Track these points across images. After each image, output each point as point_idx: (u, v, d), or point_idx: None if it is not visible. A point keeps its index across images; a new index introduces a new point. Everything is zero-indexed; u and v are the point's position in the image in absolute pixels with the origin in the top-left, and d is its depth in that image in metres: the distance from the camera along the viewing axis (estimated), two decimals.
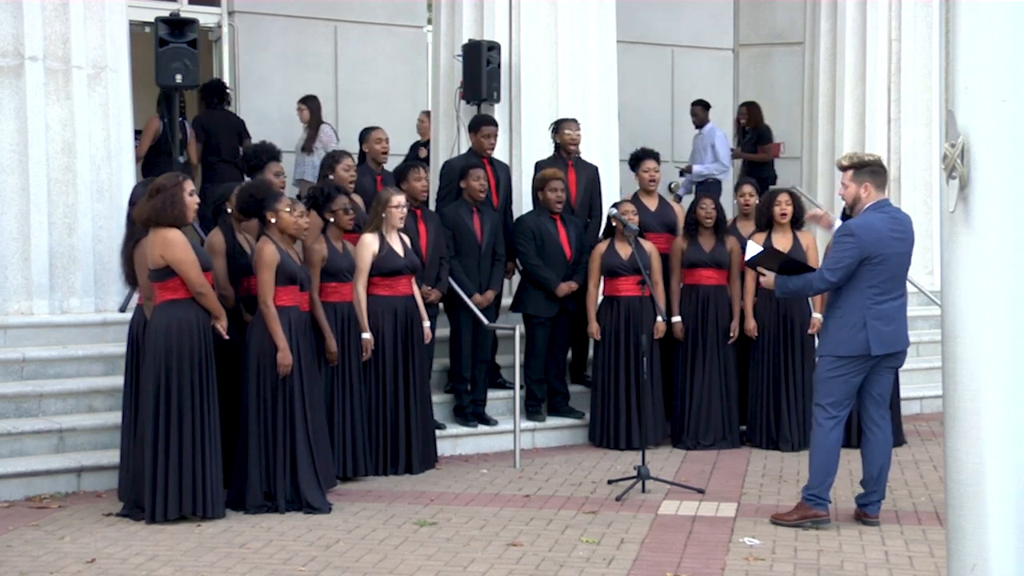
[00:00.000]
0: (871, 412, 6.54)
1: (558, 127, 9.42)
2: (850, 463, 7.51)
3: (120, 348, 8.11)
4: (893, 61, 12.09)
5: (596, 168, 9.63)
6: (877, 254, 6.28)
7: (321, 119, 11.87)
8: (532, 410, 9.00)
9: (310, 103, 11.88)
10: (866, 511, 6.61)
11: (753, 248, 6.68)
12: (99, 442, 7.63)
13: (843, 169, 6.49)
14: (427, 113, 11.81)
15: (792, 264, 6.60)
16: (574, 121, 9.42)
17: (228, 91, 11.87)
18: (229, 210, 7.34)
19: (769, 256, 6.65)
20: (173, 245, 6.57)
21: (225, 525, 6.59)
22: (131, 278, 7.05)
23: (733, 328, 8.86)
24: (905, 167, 12.09)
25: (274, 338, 6.85)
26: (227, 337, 6.86)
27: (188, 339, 6.60)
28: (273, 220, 6.98)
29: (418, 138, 12.15)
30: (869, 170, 6.39)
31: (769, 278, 6.62)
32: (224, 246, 7.26)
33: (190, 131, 11.43)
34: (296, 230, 7.06)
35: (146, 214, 6.65)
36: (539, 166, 9.30)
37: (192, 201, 6.70)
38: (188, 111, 12.25)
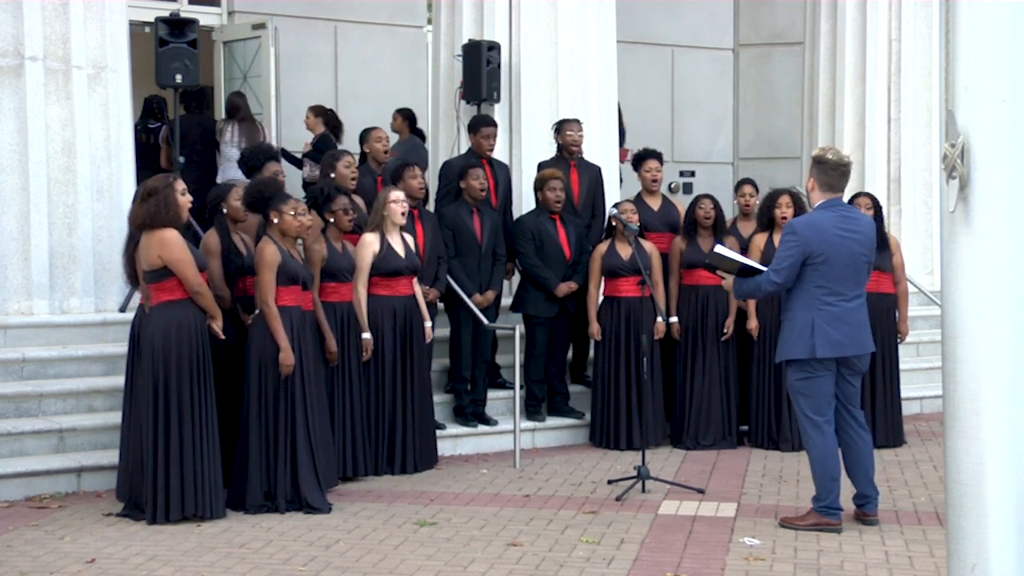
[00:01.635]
0: (844, 417, 6.52)
1: (560, 128, 9.42)
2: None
3: (120, 348, 8.11)
4: (893, 61, 12.10)
5: (599, 168, 9.63)
6: (820, 252, 6.23)
7: (245, 116, 11.47)
8: (532, 410, 9.00)
9: (234, 100, 11.65)
10: (864, 510, 6.60)
11: (717, 249, 6.66)
12: (99, 442, 7.63)
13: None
14: (312, 109, 11.74)
15: (747, 269, 6.56)
16: (576, 122, 9.42)
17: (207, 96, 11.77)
18: (225, 210, 7.36)
19: (724, 260, 6.60)
20: (170, 245, 6.58)
21: (225, 525, 6.59)
22: (133, 278, 7.05)
23: (728, 324, 8.84)
24: (905, 167, 12.10)
25: (276, 338, 6.85)
26: (223, 337, 6.87)
27: (186, 340, 6.60)
28: (276, 220, 6.99)
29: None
30: (819, 167, 6.36)
31: (728, 280, 6.62)
32: (220, 247, 7.27)
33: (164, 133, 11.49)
34: (300, 231, 7.07)
35: (140, 218, 6.67)
36: (541, 167, 9.31)
37: (185, 200, 6.73)
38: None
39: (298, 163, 11.65)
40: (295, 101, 12.41)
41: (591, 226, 9.35)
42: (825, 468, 6.41)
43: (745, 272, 6.52)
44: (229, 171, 10.97)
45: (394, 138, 11.53)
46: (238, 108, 11.44)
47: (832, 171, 6.35)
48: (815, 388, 6.36)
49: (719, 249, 6.66)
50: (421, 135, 12.07)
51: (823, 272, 6.26)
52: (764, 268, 6.54)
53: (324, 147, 10.65)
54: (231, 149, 11.09)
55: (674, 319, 8.91)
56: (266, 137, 11.29)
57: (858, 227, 6.41)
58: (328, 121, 11.68)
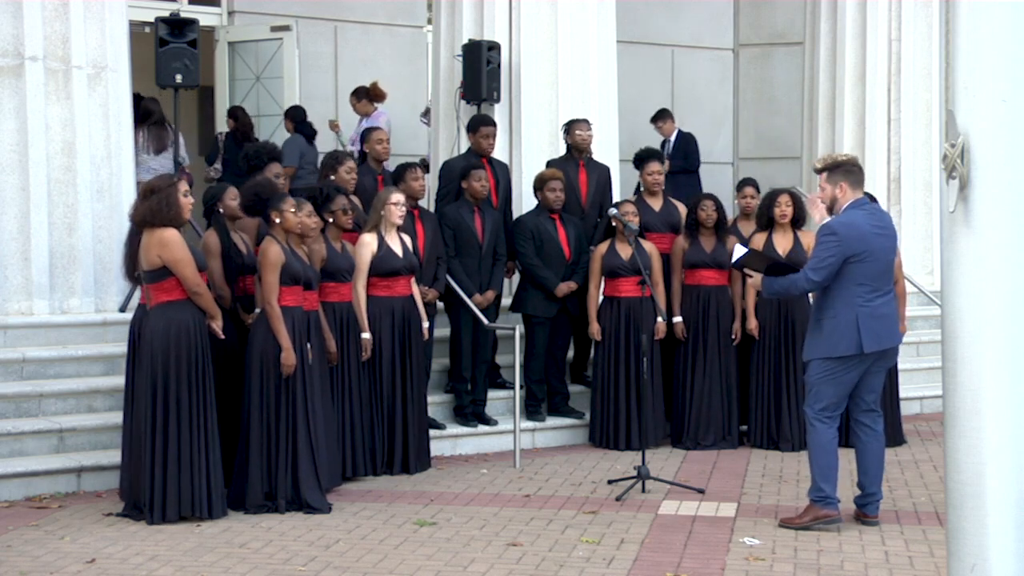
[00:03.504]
0: (861, 417, 6.54)
1: (569, 128, 9.42)
2: (850, 463, 7.49)
3: (120, 348, 8.12)
4: (893, 61, 12.09)
5: (608, 168, 9.64)
6: (861, 251, 6.29)
7: (157, 121, 11.33)
8: (532, 410, 9.00)
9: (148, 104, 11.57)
10: (865, 511, 6.61)
11: (740, 250, 6.70)
12: (99, 442, 7.63)
13: (818, 172, 6.52)
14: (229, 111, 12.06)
15: (778, 266, 6.63)
16: (585, 121, 9.42)
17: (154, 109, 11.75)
18: (222, 210, 7.37)
19: (756, 258, 6.65)
20: (171, 245, 6.58)
21: (225, 525, 6.59)
22: (132, 275, 7.05)
23: (735, 330, 8.85)
24: (905, 167, 12.09)
25: (278, 338, 6.85)
26: (223, 337, 6.87)
27: (186, 340, 6.60)
28: (278, 220, 6.99)
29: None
30: (843, 170, 6.40)
31: (756, 279, 6.63)
32: (219, 246, 7.28)
33: None
34: (303, 229, 7.07)
35: (141, 215, 6.67)
36: (550, 166, 9.32)
37: (187, 201, 6.72)
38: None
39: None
40: (294, 101, 12.40)
41: (598, 226, 9.34)
42: (823, 459, 6.43)
43: (773, 270, 6.56)
44: (145, 176, 10.98)
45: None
46: (151, 113, 11.31)
47: (857, 169, 6.46)
48: (834, 386, 6.39)
49: (738, 249, 6.69)
50: (307, 134, 11.88)
51: (865, 270, 6.31)
52: (785, 263, 6.62)
53: (225, 148, 10.83)
54: (143, 155, 11.07)
55: (678, 319, 8.90)
56: (176, 142, 11.22)
57: (885, 223, 6.52)
58: (237, 121, 11.92)
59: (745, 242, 8.85)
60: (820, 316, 6.44)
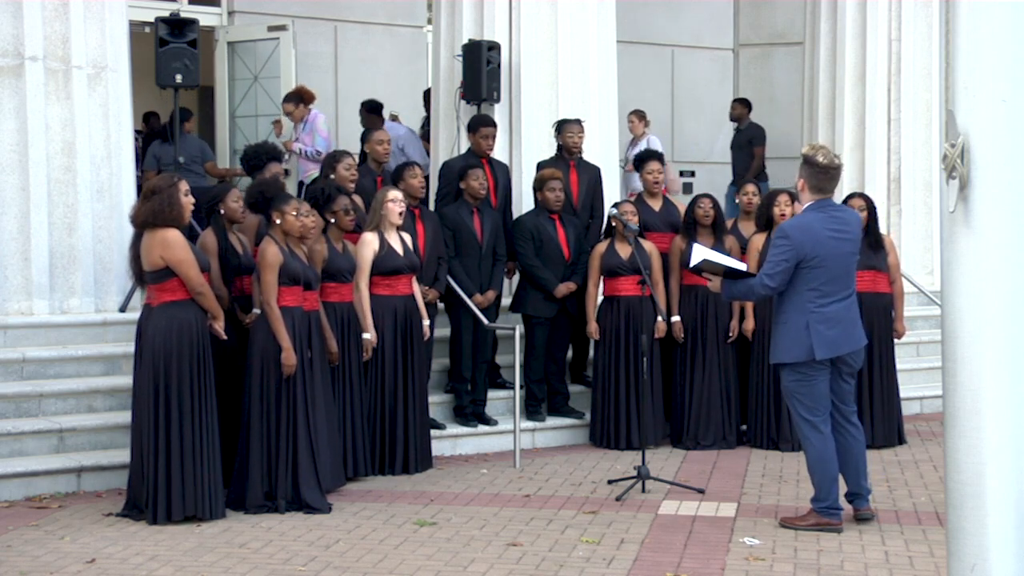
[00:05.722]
0: (835, 415, 6.49)
1: (560, 128, 9.41)
2: None
3: (120, 348, 8.14)
4: (893, 61, 12.09)
5: (598, 169, 9.63)
6: (814, 256, 6.22)
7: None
8: (532, 410, 9.00)
9: None
10: (855, 505, 6.58)
11: (699, 252, 6.61)
12: (99, 442, 7.63)
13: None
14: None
15: (734, 271, 6.55)
16: (577, 122, 9.41)
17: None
18: (222, 211, 7.37)
19: (712, 264, 6.57)
20: (173, 246, 6.58)
21: (225, 525, 6.59)
22: (139, 277, 7.04)
23: (732, 327, 8.85)
24: (905, 167, 12.10)
25: (278, 338, 6.85)
26: (225, 338, 6.87)
27: (188, 340, 6.60)
28: (278, 221, 7.00)
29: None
30: (809, 169, 6.34)
31: (716, 283, 6.58)
32: (217, 247, 7.29)
33: None
34: (303, 232, 7.07)
35: (143, 216, 6.67)
36: (541, 166, 9.31)
37: (188, 201, 6.73)
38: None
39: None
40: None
41: (590, 226, 9.34)
42: (824, 469, 6.40)
43: (731, 274, 6.51)
44: None
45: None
46: None
47: (822, 174, 6.35)
48: (810, 389, 6.35)
49: (702, 252, 6.61)
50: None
51: (817, 275, 6.25)
52: (743, 266, 6.57)
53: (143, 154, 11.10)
54: None
55: (676, 318, 8.90)
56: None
57: (847, 226, 6.42)
58: (148, 126, 12.09)
59: (746, 242, 8.86)
60: (776, 320, 6.43)
